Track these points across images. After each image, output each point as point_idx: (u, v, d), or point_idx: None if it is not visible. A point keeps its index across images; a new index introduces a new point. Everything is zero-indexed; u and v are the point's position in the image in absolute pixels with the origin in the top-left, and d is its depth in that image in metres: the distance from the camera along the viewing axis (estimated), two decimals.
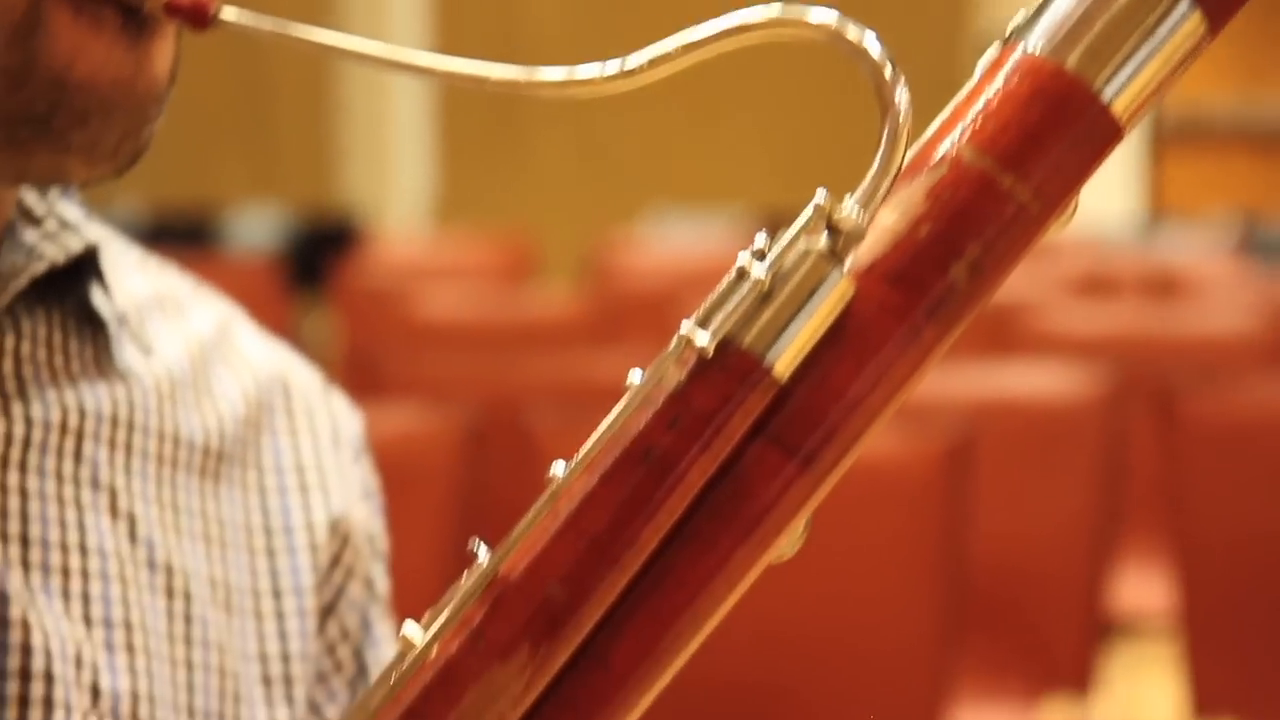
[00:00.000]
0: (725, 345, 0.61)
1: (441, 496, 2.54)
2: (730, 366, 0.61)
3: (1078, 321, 4.12)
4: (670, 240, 7.18)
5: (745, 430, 0.61)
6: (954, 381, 3.02)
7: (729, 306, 0.61)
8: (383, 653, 0.92)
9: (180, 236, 7.06)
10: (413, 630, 0.61)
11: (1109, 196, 8.55)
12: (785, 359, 0.61)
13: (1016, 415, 3.05)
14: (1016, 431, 3.02)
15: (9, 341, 0.82)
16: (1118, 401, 3.08)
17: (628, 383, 0.62)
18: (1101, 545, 3.02)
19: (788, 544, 0.62)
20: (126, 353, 0.86)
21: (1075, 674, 2.95)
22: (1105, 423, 3.05)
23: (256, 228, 8.08)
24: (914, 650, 2.45)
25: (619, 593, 0.61)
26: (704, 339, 0.61)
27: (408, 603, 0.65)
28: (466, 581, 0.61)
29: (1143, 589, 3.51)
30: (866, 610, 2.47)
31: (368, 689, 0.62)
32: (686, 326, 0.61)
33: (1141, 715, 4.01)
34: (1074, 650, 2.96)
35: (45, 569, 0.81)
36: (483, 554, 0.61)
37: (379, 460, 0.96)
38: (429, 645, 0.61)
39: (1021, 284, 4.66)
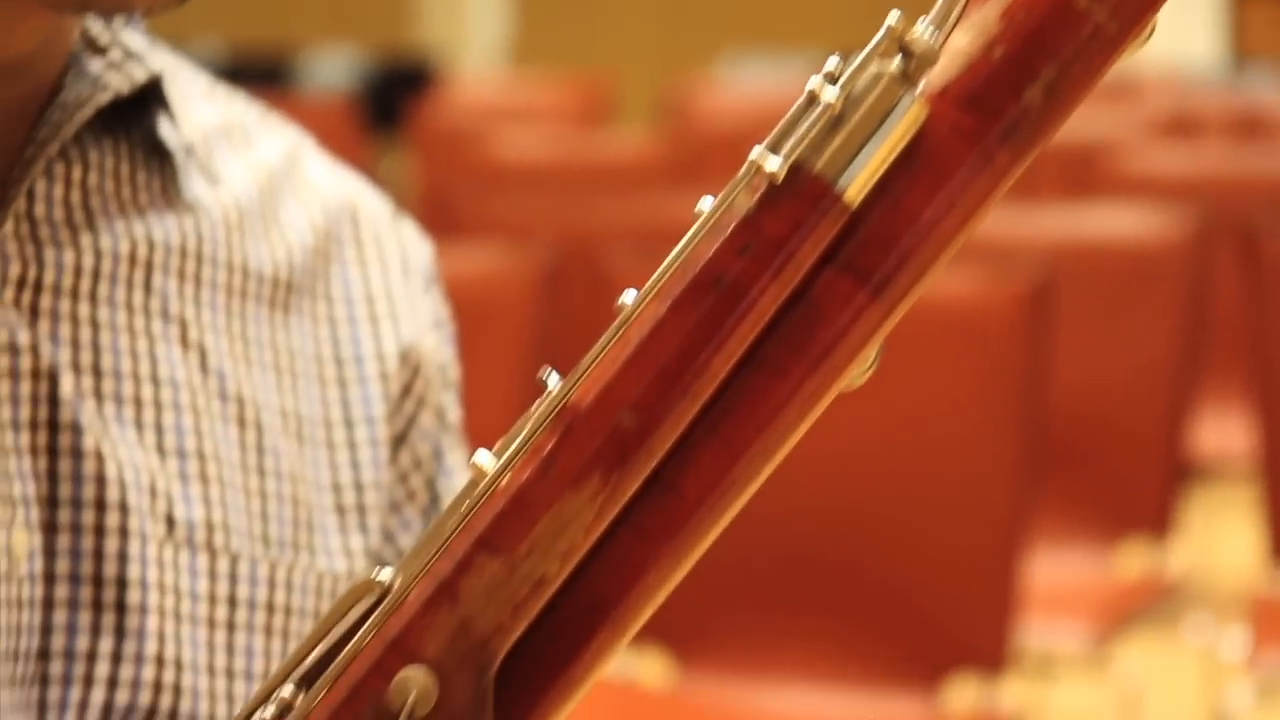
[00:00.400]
0: (796, 171, 0.60)
1: (516, 337, 2.54)
2: (801, 192, 0.60)
3: (1161, 162, 4.08)
4: (746, 83, 7.13)
5: (816, 257, 0.60)
6: (1036, 223, 2.99)
7: (800, 131, 0.60)
8: (455, 482, 0.92)
9: (257, 77, 7.05)
10: (484, 459, 0.61)
11: (1191, 38, 8.44)
12: (857, 184, 0.60)
13: (1098, 257, 3.02)
14: (1098, 274, 3.00)
15: (76, 173, 0.82)
16: (1201, 243, 3.05)
17: (697, 209, 0.61)
18: (1182, 388, 3.00)
19: (857, 372, 0.62)
20: (194, 183, 0.85)
21: (1153, 517, 2.95)
22: (1188, 265, 3.02)
23: (333, 68, 8.07)
24: (991, 493, 2.45)
25: (690, 421, 0.61)
26: (774, 164, 0.60)
27: (484, 443, 0.65)
28: (537, 410, 0.61)
29: (1223, 432, 3.49)
30: (944, 453, 2.47)
31: (440, 517, 0.62)
32: (757, 152, 0.60)
33: (1220, 559, 4.01)
34: (1153, 494, 2.96)
35: (118, 400, 0.81)
36: (553, 382, 0.61)
37: (455, 301, 0.95)
38: (500, 473, 0.61)
39: (1105, 124, 4.61)
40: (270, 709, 0.63)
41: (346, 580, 0.86)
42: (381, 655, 0.61)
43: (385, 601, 0.62)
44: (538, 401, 0.61)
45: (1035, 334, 2.47)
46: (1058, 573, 2.85)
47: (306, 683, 0.63)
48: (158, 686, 0.80)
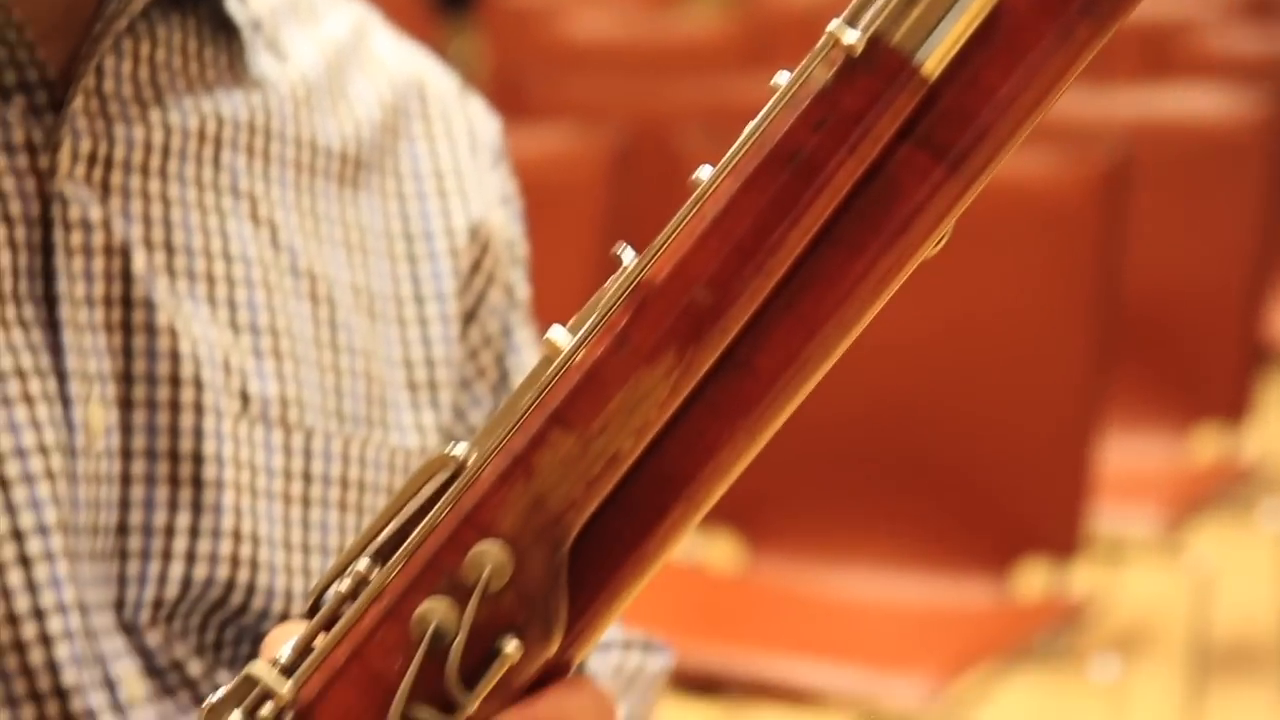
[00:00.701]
0: (874, 43, 0.59)
1: (587, 219, 2.54)
2: (878, 66, 0.59)
3: (1241, 42, 4.02)
4: None
5: (893, 132, 0.60)
6: (1112, 103, 2.96)
7: (878, 4, 0.60)
8: (524, 359, 0.92)
9: None
10: (559, 334, 0.61)
11: None
12: (935, 57, 0.59)
13: (1176, 138, 2.99)
14: (1175, 155, 2.96)
15: (144, 48, 0.81)
16: (1279, 125, 3.01)
17: (773, 83, 0.61)
18: (1259, 271, 2.97)
19: (930, 245, 0.61)
20: (261, 59, 0.85)
21: (1228, 402, 2.93)
22: (1266, 146, 2.99)
23: None
24: (1064, 376, 2.44)
25: (765, 297, 0.60)
26: (852, 37, 0.59)
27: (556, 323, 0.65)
28: (612, 286, 0.61)
29: None
30: (1018, 335, 2.45)
31: (514, 392, 0.62)
32: (834, 25, 0.60)
33: None
34: (1228, 378, 2.93)
35: (190, 276, 0.81)
36: (628, 258, 0.61)
37: (525, 182, 0.95)
38: (575, 349, 0.61)
39: (1184, 3, 4.55)
40: (346, 582, 0.63)
41: (419, 456, 0.87)
42: (456, 529, 0.61)
43: (460, 477, 0.62)
44: (612, 278, 0.61)
45: (1111, 216, 2.45)
46: (1130, 457, 2.84)
47: (381, 557, 0.63)
48: (235, 561, 0.80)
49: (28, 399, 0.76)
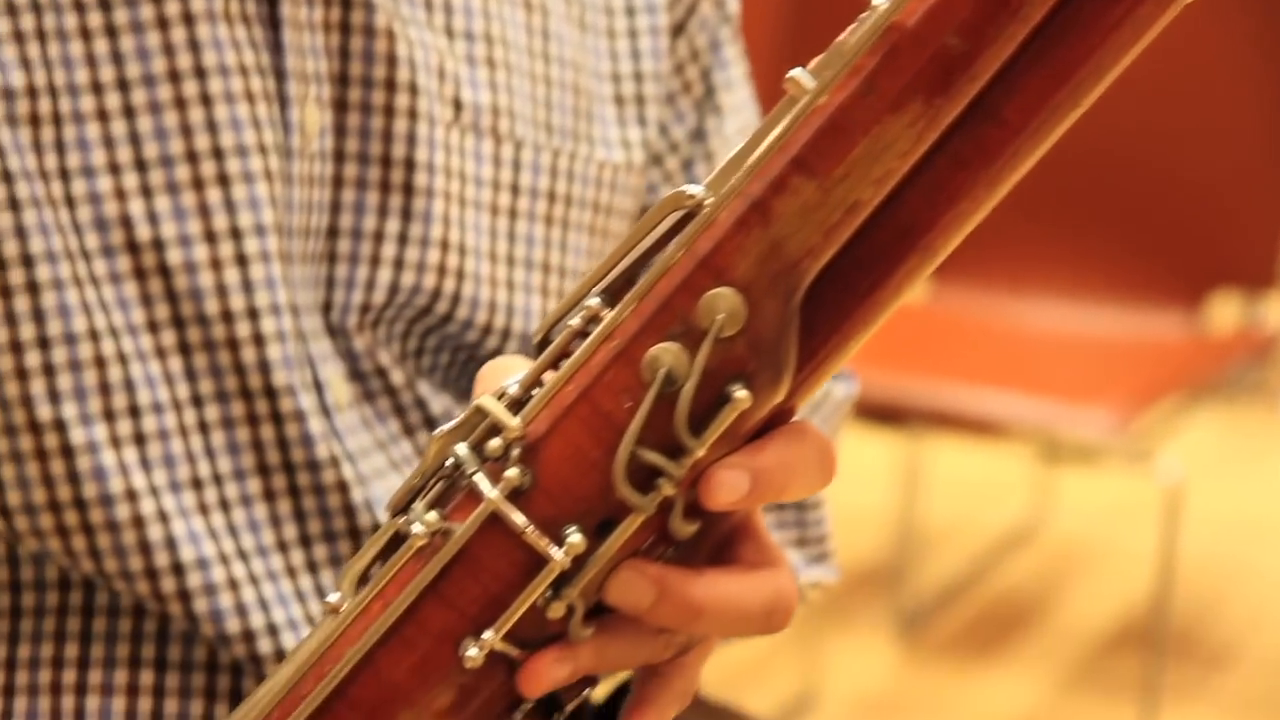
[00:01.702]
0: None
1: None
2: None
3: None
4: None
5: None
6: None
7: None
8: (731, 74, 0.90)
9: None
10: (801, 76, 0.60)
11: None
12: None
13: None
14: None
15: None
16: None
17: None
18: None
19: None
20: None
21: None
22: None
23: None
24: (1262, 108, 2.38)
25: (1017, 46, 0.59)
26: None
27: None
28: (859, 30, 0.59)
29: None
30: (1213, 68, 2.39)
31: (752, 135, 0.60)
32: None
33: None
34: None
35: None
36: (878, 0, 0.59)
37: None
38: (819, 93, 0.59)
39: None
40: (576, 318, 0.63)
41: (624, 171, 0.86)
42: (691, 273, 0.60)
43: (696, 218, 0.61)
44: (860, 19, 0.59)
45: None
46: None
47: (612, 295, 0.63)
48: (441, 270, 0.80)
49: (249, 96, 0.76)
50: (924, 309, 2.53)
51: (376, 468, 0.81)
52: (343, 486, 0.78)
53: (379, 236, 0.80)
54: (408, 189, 0.80)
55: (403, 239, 0.80)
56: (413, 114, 0.79)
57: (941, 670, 2.62)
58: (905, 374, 2.32)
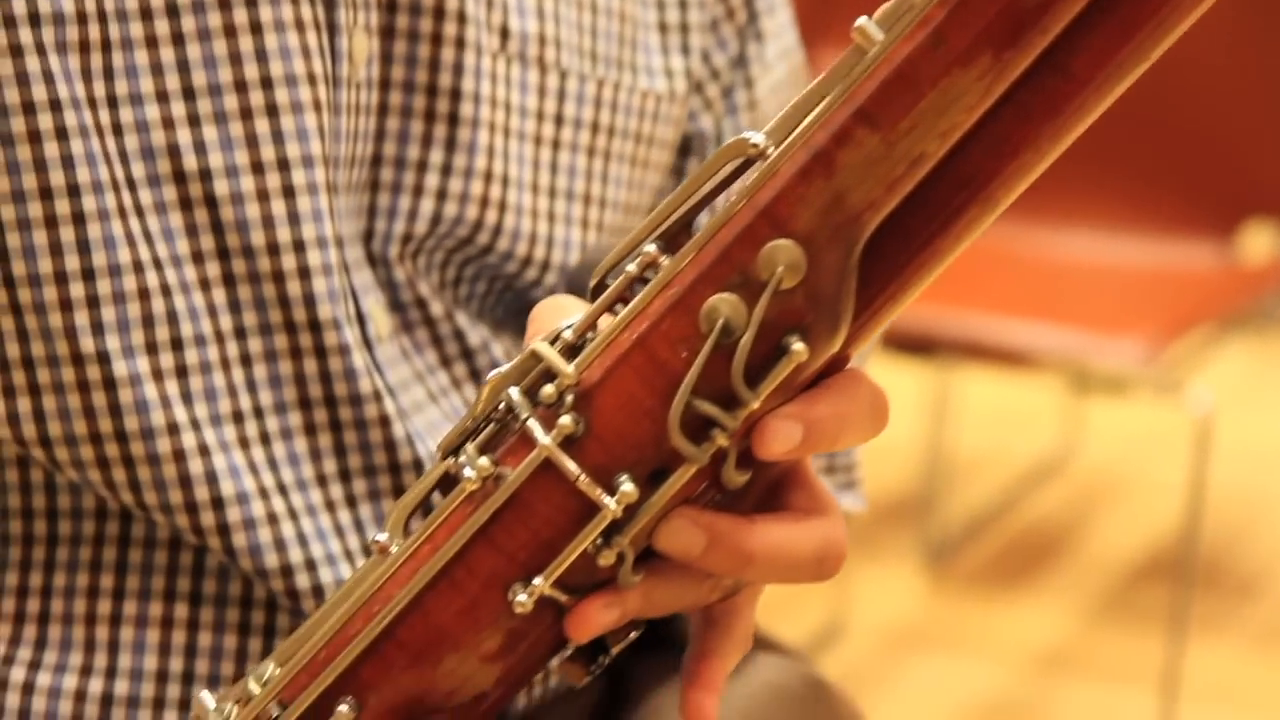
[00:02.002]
0: None
1: None
2: None
3: None
4: None
5: None
6: None
7: None
8: None
9: None
10: (869, 25, 0.59)
11: None
12: None
13: None
14: None
15: None
16: None
17: None
18: None
19: None
20: None
21: None
22: None
23: None
24: None
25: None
26: None
27: None
28: None
29: None
30: None
31: (818, 81, 0.60)
32: None
33: None
34: None
35: None
36: None
37: None
38: (887, 46, 0.58)
39: None
40: (632, 264, 0.62)
41: (667, 101, 0.85)
42: (752, 223, 0.60)
43: (758, 167, 0.60)
44: None
45: None
46: None
47: (668, 241, 0.62)
48: (484, 202, 0.80)
49: (299, 25, 0.75)
50: None
51: (416, 401, 0.80)
52: (384, 421, 0.78)
53: (422, 166, 0.79)
54: (453, 119, 0.79)
55: (446, 169, 0.79)
56: (460, 42, 0.79)
57: (969, 601, 2.63)
58: (935, 304, 2.31)
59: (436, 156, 0.79)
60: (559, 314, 0.64)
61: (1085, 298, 2.44)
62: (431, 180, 0.79)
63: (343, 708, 0.64)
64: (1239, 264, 2.44)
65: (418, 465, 0.78)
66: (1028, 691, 2.41)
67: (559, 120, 0.82)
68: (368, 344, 0.78)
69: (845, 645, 2.49)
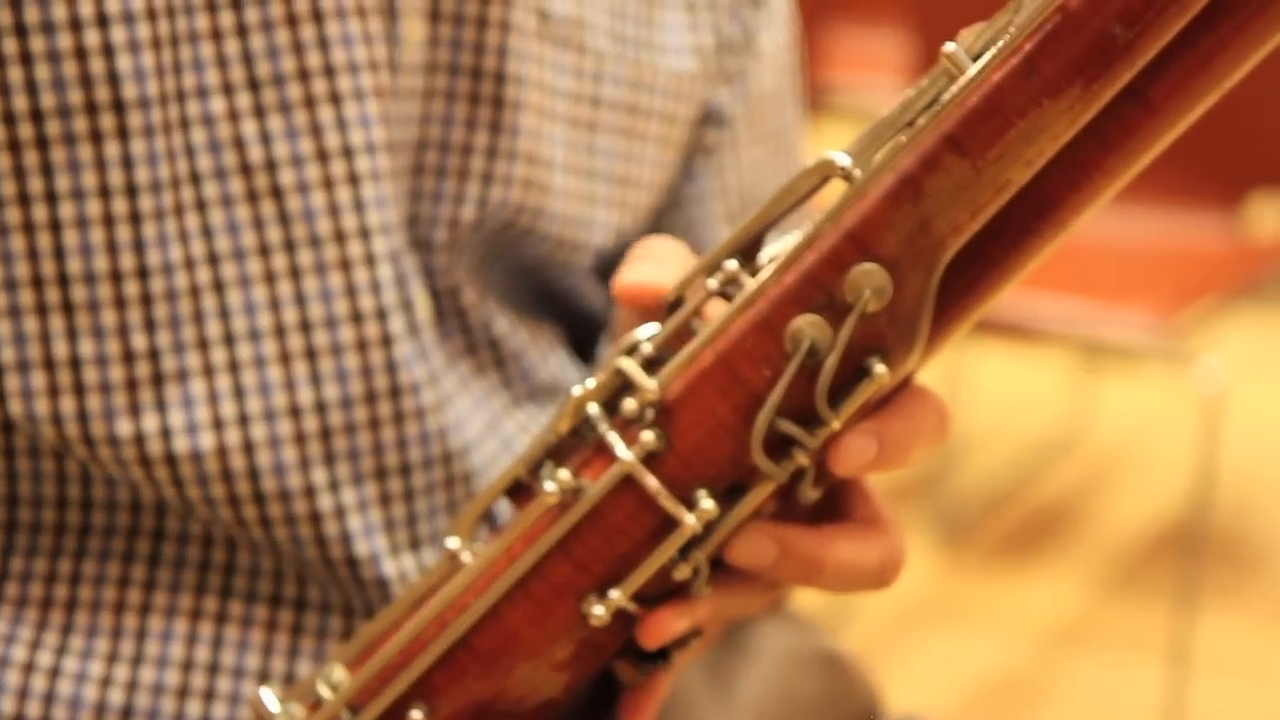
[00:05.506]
0: None
1: None
2: None
3: None
4: None
5: None
6: None
7: None
8: None
9: None
10: (958, 52, 0.59)
11: None
12: None
13: None
14: None
15: None
16: None
17: None
18: None
19: None
20: None
21: None
22: None
23: None
24: None
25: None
26: None
27: None
28: (1021, 9, 0.58)
29: None
30: None
31: (905, 101, 0.60)
32: None
33: None
34: None
35: None
36: None
37: None
38: (981, 74, 0.59)
39: None
40: (714, 280, 0.62)
41: (692, 81, 0.85)
42: (838, 245, 0.60)
43: (846, 191, 0.60)
44: None
45: None
46: None
47: (749, 261, 0.62)
48: (527, 184, 0.79)
49: (360, 11, 0.74)
50: None
51: (446, 392, 0.80)
52: (420, 414, 0.77)
53: (467, 149, 0.79)
54: (497, 102, 0.79)
55: (491, 153, 0.79)
56: (504, 25, 0.78)
57: (981, 576, 2.64)
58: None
59: (481, 139, 0.79)
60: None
61: (1094, 270, 2.44)
62: (476, 163, 0.79)
63: (416, 714, 0.65)
64: (1245, 237, 2.44)
65: (447, 459, 0.78)
66: (1039, 665, 2.43)
67: (595, 101, 0.82)
68: (414, 330, 0.78)
69: (858, 619, 2.50)
